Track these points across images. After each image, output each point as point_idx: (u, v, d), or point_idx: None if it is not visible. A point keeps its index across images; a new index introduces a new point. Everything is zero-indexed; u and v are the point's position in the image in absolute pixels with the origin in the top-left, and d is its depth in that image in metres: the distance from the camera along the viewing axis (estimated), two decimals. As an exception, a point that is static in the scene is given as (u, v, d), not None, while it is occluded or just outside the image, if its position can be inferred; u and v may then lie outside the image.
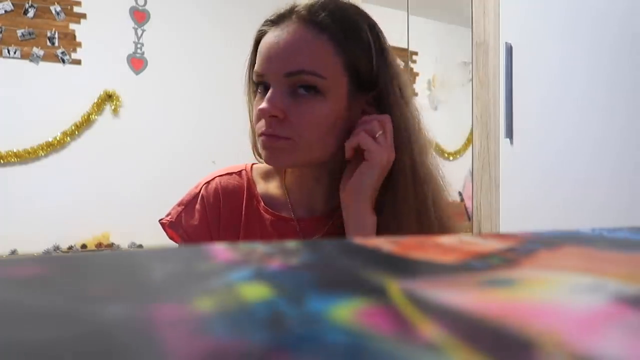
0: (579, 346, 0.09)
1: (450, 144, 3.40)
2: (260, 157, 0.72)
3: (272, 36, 0.63)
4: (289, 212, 0.71)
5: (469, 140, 2.14)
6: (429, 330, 0.10)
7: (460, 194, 2.97)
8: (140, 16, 3.01)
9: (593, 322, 0.11)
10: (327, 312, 0.11)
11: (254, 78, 0.65)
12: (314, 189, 0.71)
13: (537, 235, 0.21)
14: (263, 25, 0.66)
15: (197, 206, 0.71)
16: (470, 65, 1.47)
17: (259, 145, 0.65)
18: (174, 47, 3.03)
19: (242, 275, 0.14)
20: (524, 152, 1.28)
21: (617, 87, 1.05)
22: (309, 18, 0.62)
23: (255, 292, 0.13)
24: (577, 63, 1.13)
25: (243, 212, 0.71)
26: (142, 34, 3.01)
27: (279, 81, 0.62)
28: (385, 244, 0.19)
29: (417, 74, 3.46)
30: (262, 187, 0.73)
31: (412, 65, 3.44)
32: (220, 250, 0.18)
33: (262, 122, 0.63)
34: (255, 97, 0.66)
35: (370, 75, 0.64)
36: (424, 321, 0.11)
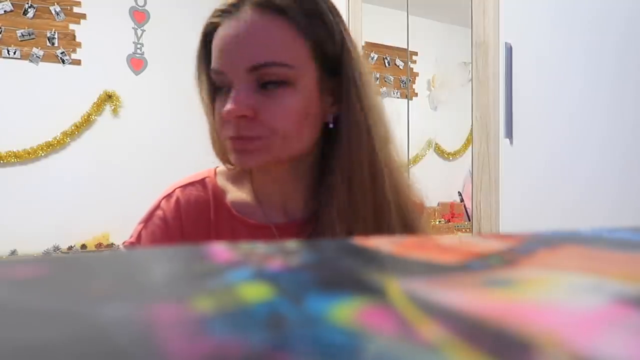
0: (579, 346, 0.09)
1: (450, 144, 3.39)
2: (226, 162, 0.68)
3: (227, 28, 0.57)
4: (264, 218, 0.65)
5: (469, 141, 2.14)
6: (429, 330, 0.10)
7: (460, 194, 2.97)
8: (140, 16, 3.01)
9: (593, 323, 0.11)
10: (327, 312, 0.11)
11: (213, 77, 0.58)
12: (292, 189, 0.65)
13: (537, 235, 0.21)
14: (213, 16, 0.59)
15: (158, 222, 0.65)
16: (470, 66, 1.47)
17: (228, 149, 0.59)
18: (174, 47, 3.03)
19: (241, 275, 0.14)
20: (524, 152, 1.28)
21: (617, 86, 1.05)
22: (265, 2, 0.56)
23: (255, 292, 0.13)
24: (577, 63, 1.13)
25: (212, 225, 0.65)
26: (142, 34, 3.01)
27: (242, 77, 0.55)
28: (385, 244, 0.19)
29: (417, 74, 3.45)
30: (232, 194, 0.67)
31: (412, 65, 3.43)
32: (220, 250, 0.18)
33: (230, 124, 0.57)
34: (213, 98, 0.60)
35: (336, 60, 0.59)
36: (424, 321, 0.11)
